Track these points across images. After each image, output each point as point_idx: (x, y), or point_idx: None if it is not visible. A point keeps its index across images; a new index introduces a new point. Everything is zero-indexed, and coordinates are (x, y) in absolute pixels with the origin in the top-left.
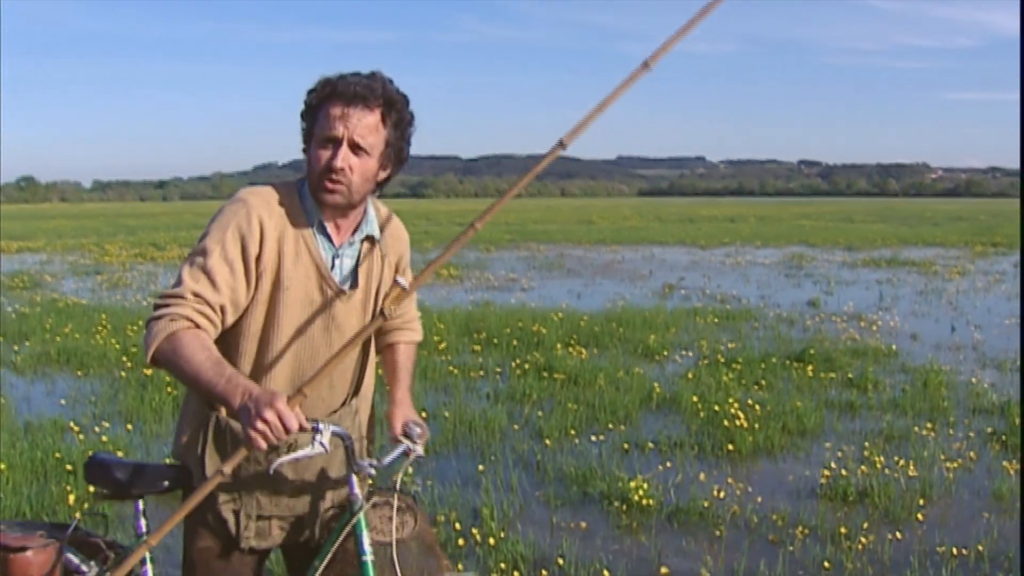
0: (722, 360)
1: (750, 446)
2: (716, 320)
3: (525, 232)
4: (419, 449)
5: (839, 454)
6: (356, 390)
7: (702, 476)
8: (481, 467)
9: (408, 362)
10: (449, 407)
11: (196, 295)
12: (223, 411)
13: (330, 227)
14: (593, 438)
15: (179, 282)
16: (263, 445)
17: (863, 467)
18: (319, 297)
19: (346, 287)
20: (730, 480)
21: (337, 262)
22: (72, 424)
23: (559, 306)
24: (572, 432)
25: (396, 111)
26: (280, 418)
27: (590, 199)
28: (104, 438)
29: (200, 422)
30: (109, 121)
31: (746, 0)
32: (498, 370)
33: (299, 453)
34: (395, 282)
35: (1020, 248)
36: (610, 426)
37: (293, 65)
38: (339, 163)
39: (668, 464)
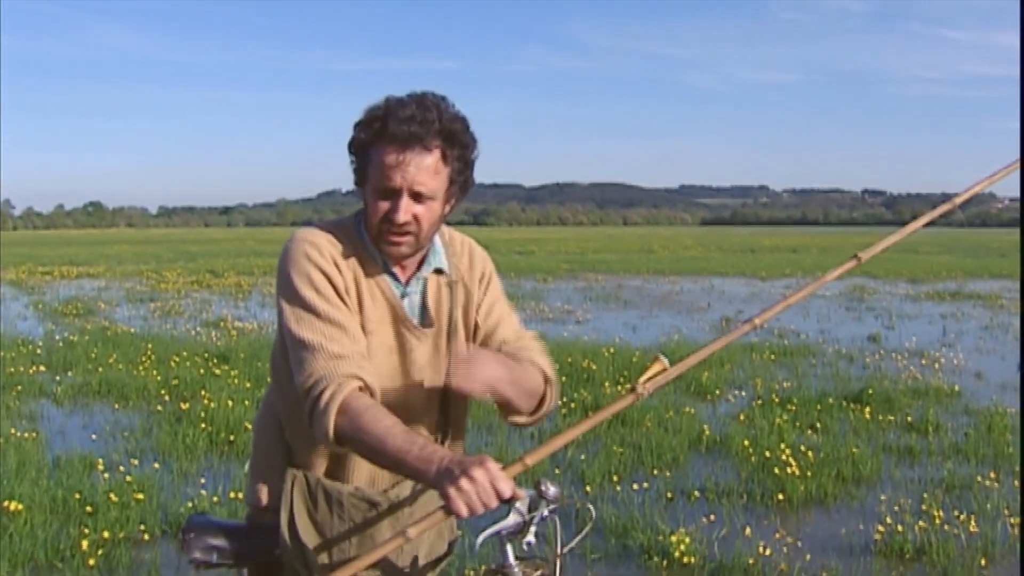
0: (777, 400)
1: (801, 495)
2: (773, 356)
3: (584, 262)
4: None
5: (896, 507)
6: (442, 440)
7: (748, 531)
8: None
9: (527, 370)
10: (490, 448)
11: (340, 351)
12: (316, 469)
13: (395, 267)
14: (635, 486)
15: (310, 347)
16: (464, 510)
17: (921, 522)
18: (395, 340)
19: (421, 326)
20: (778, 534)
21: (406, 301)
22: (100, 461)
23: (612, 340)
24: (615, 478)
25: (457, 143)
26: (492, 480)
27: (652, 228)
28: (128, 477)
29: (278, 478)
30: (175, 148)
31: (808, 30)
32: None
33: (498, 526)
34: (657, 358)
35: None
36: (655, 471)
37: (358, 93)
38: (401, 217)
39: (712, 517)
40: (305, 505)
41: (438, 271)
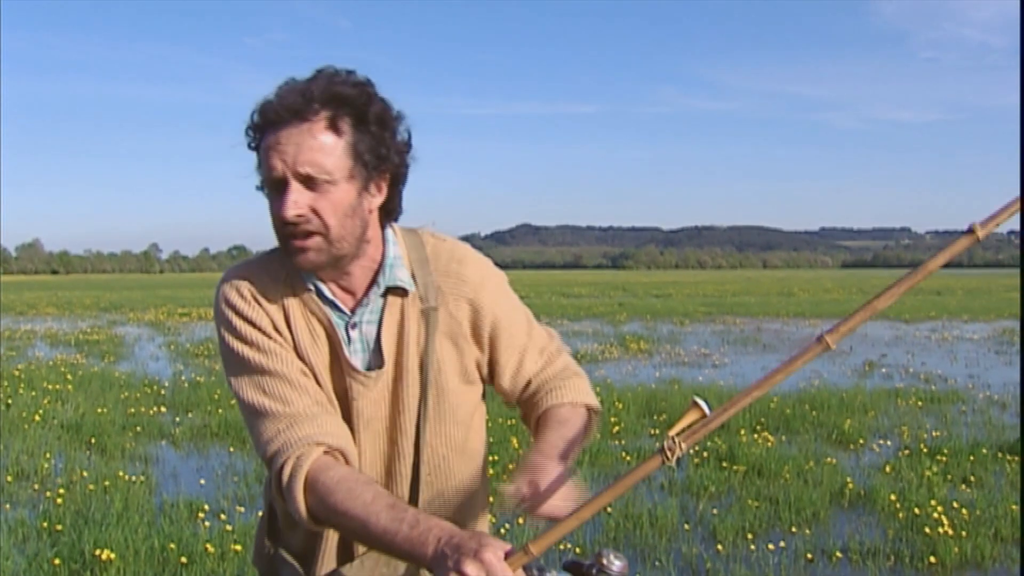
0: (925, 450)
1: (955, 558)
2: (920, 403)
3: (723, 305)
4: None
5: None
6: (414, 495)
7: None
8: None
9: (573, 426)
10: (616, 500)
11: (289, 410)
12: (293, 541)
13: (331, 290)
14: (771, 546)
15: (256, 412)
16: None
17: None
18: (337, 385)
19: (363, 368)
20: None
21: (354, 333)
22: (205, 507)
23: (749, 385)
24: (749, 535)
25: (351, 107)
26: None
27: (792, 271)
28: (228, 527)
29: (262, 543)
30: None
31: (948, 68)
32: None
33: None
34: (694, 403)
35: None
36: (793, 528)
37: (497, 137)
38: (289, 212)
39: None
40: None
41: (395, 290)
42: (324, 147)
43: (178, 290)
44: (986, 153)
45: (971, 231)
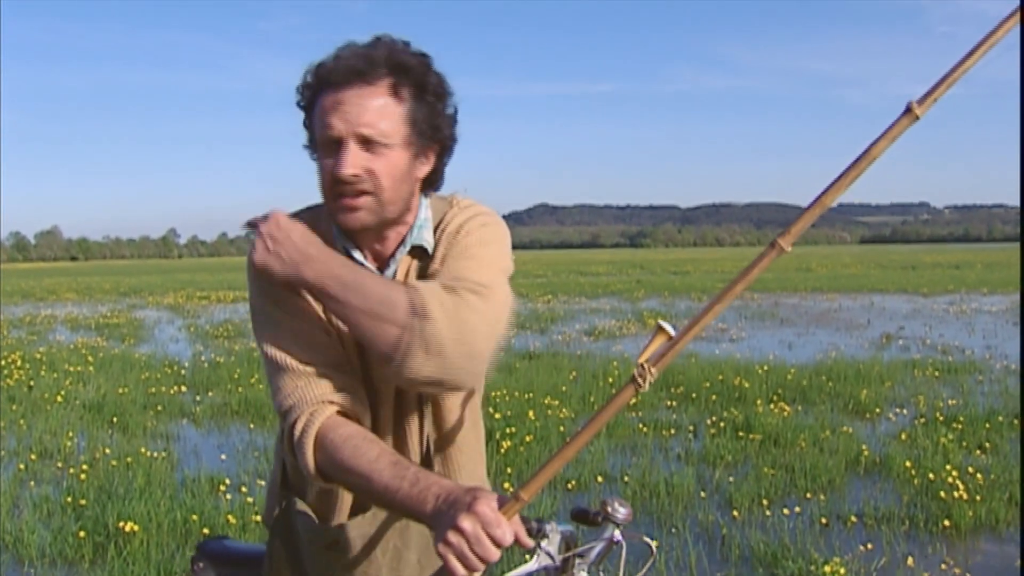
0: (941, 418)
1: (970, 522)
2: (936, 373)
3: None
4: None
5: None
6: (427, 459)
7: (910, 560)
8: (656, 542)
9: None
10: (633, 469)
11: (308, 368)
12: (307, 493)
13: (363, 255)
14: (786, 511)
15: (276, 364)
16: (460, 569)
17: None
18: (347, 347)
19: None
20: (944, 565)
21: None
22: (227, 481)
23: (766, 358)
24: (765, 502)
25: (412, 77)
26: (484, 527)
27: (810, 247)
28: (250, 499)
29: (275, 499)
30: None
31: (965, 42)
32: (691, 428)
33: (519, 571)
34: (659, 328)
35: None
36: (808, 495)
37: (514, 118)
38: (346, 170)
39: (870, 545)
40: (288, 534)
41: (417, 250)
42: (385, 110)
43: (197, 274)
44: (1004, 127)
45: (908, 110)
